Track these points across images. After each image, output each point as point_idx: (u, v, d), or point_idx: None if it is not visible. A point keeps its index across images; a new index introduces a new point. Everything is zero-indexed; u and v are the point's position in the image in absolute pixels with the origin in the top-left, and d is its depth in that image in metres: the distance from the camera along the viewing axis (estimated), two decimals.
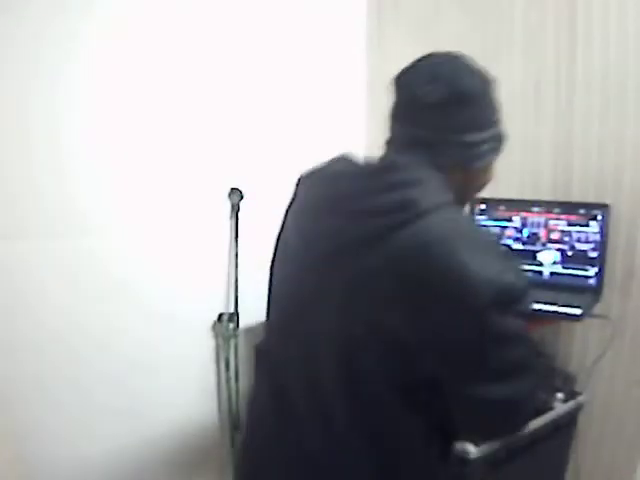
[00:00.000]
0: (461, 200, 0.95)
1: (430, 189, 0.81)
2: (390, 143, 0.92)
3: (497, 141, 0.90)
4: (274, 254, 1.00)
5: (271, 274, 1.00)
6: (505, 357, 0.78)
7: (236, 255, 1.82)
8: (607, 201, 1.40)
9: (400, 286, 0.77)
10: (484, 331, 0.75)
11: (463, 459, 1.27)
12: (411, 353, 0.78)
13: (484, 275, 0.74)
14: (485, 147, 0.87)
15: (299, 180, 0.95)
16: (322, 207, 0.86)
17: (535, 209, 1.47)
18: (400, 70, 0.89)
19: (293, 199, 0.96)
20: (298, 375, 0.88)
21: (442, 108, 0.84)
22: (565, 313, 1.24)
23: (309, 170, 0.94)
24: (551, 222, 1.44)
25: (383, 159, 0.89)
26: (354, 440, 0.83)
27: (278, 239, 0.99)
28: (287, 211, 0.97)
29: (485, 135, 0.87)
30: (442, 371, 0.79)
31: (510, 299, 0.77)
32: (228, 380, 1.86)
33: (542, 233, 1.46)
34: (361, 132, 2.08)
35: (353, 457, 0.84)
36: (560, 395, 1.45)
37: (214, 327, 1.85)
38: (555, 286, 1.41)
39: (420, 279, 0.75)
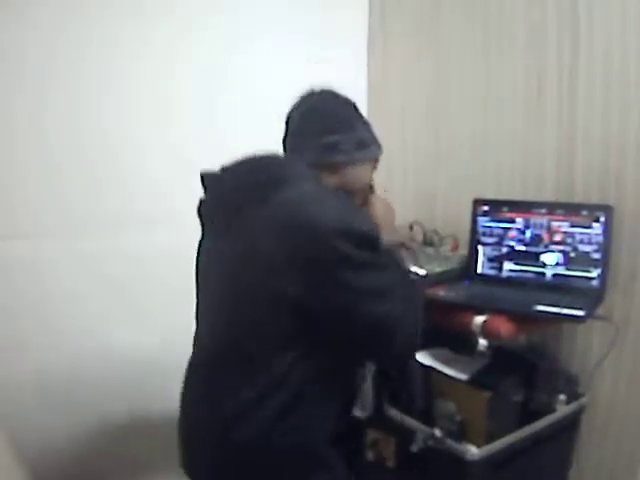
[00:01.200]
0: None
1: (295, 168, 1.04)
2: None
3: (356, 142, 1.09)
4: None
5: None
6: (369, 281, 0.95)
7: None
8: (610, 202, 1.40)
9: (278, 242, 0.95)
10: (337, 256, 0.92)
11: (463, 460, 1.27)
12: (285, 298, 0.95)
13: (331, 217, 0.93)
14: (341, 146, 1.07)
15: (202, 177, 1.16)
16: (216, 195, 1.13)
17: (538, 210, 1.46)
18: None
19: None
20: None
21: (302, 125, 1.12)
22: (568, 314, 1.24)
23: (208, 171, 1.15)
24: (554, 224, 1.44)
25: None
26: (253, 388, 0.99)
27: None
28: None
29: (338, 137, 1.07)
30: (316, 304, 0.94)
31: (357, 235, 0.94)
32: None
33: (545, 235, 1.45)
34: None
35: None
36: (562, 397, 1.44)
37: None
38: (558, 288, 1.41)
39: (288, 232, 0.95)
